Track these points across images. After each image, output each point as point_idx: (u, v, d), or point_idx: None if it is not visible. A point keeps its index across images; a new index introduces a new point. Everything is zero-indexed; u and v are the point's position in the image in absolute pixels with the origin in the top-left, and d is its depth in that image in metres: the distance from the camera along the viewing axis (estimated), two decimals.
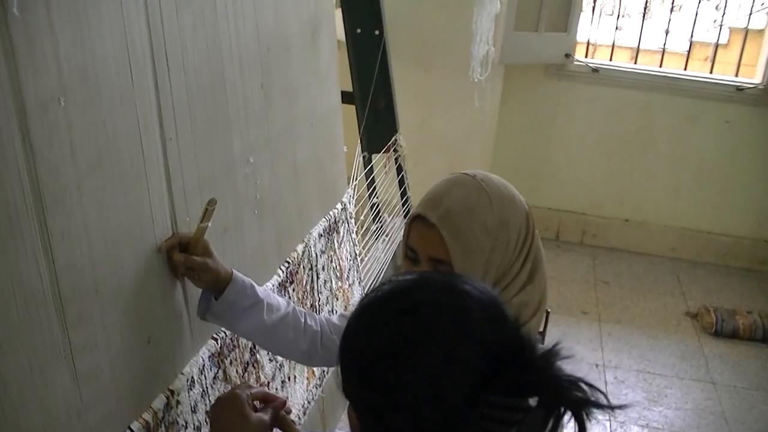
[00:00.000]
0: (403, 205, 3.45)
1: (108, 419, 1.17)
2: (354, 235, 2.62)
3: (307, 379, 2.13)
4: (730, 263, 4.90)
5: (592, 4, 5.24)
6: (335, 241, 2.37)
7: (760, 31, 4.99)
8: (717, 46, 5.01)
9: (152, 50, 1.25)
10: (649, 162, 4.85)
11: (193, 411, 1.44)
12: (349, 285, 2.52)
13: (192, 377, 1.44)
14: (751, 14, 4.78)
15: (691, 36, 4.92)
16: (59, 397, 1.05)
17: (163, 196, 1.31)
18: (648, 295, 4.48)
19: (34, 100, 0.95)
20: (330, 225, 2.32)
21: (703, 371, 3.72)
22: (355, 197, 2.67)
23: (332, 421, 2.47)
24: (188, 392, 1.42)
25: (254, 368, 1.74)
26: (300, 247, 2.05)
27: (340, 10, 2.96)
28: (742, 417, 3.40)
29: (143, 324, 1.28)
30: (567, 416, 0.86)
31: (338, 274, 2.39)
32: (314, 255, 2.16)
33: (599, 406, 0.85)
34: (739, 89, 4.55)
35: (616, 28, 5.06)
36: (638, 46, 4.97)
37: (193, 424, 1.44)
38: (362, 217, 2.88)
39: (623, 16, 6.32)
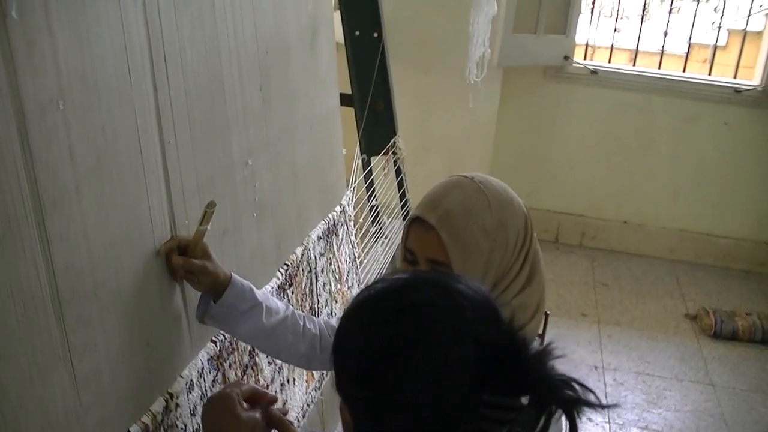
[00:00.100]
0: (402, 207, 3.45)
1: (107, 422, 1.17)
2: (353, 238, 2.62)
3: (306, 381, 2.13)
4: (729, 265, 4.91)
5: (591, 6, 5.25)
6: (334, 244, 2.37)
7: (759, 33, 4.99)
8: (716, 47, 5.02)
9: (151, 52, 1.24)
10: (648, 164, 4.85)
11: (192, 414, 1.44)
12: (349, 287, 2.52)
13: (191, 380, 1.44)
14: (749, 16, 4.79)
15: (690, 38, 4.94)
16: (58, 400, 1.05)
17: (161, 199, 1.31)
18: (647, 297, 4.48)
19: (33, 102, 0.95)
20: (329, 227, 2.31)
21: (703, 373, 3.73)
22: (354, 199, 2.67)
23: (331, 424, 2.47)
24: (187, 395, 1.42)
25: (253, 371, 1.74)
26: (299, 250, 2.05)
27: (338, 12, 2.96)
28: (741, 419, 3.40)
29: (142, 327, 1.28)
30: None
31: (337, 276, 2.39)
32: (313, 257, 2.15)
33: (590, 405, 0.86)
34: (738, 91, 4.56)
35: (615, 30, 5.07)
36: (637, 48, 4.97)
37: (192, 427, 1.43)
38: (361, 220, 2.88)
39: (622, 18, 6.33)
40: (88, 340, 1.11)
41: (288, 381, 1.98)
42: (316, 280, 2.19)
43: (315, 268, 2.17)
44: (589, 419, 3.29)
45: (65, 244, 1.03)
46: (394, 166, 3.32)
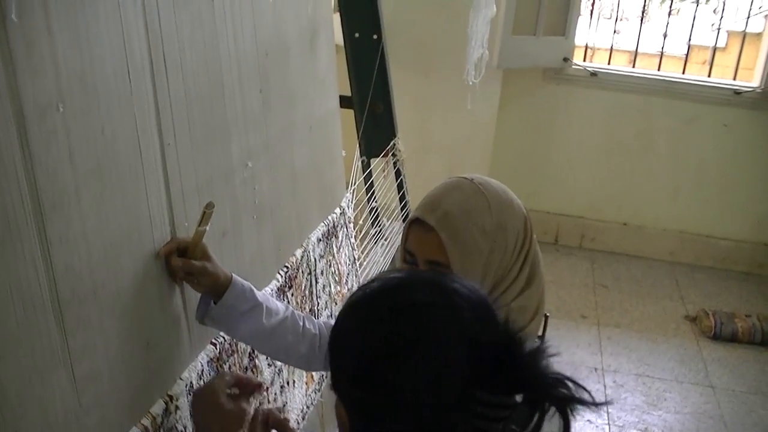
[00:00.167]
0: (401, 209, 3.45)
1: (106, 424, 1.17)
2: (353, 240, 2.62)
3: (306, 383, 2.13)
4: (729, 267, 4.91)
5: (590, 8, 5.25)
6: (334, 246, 2.37)
7: (758, 35, 5.00)
8: (715, 49, 5.02)
9: (150, 54, 1.24)
10: (647, 166, 4.86)
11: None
12: (348, 289, 2.52)
13: (191, 382, 1.44)
14: (749, 18, 4.80)
15: (690, 39, 4.93)
16: (58, 402, 1.05)
17: (161, 201, 1.31)
18: (647, 299, 4.48)
19: (33, 104, 0.95)
20: (329, 229, 2.31)
21: (702, 375, 3.73)
22: (353, 202, 2.67)
23: (331, 425, 2.46)
24: (187, 397, 1.42)
25: (253, 373, 1.74)
26: (299, 252, 2.05)
27: (338, 14, 2.96)
28: (741, 421, 3.40)
29: (142, 329, 1.28)
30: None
31: (337, 278, 2.39)
32: (313, 259, 2.15)
33: (583, 402, 0.87)
34: (737, 93, 4.57)
35: (614, 32, 5.07)
36: (636, 50, 4.98)
37: (192, 430, 1.43)
38: (361, 222, 2.88)
39: (621, 20, 6.34)
40: (88, 342, 1.11)
41: (288, 383, 1.98)
42: (316, 282, 2.19)
43: (315, 270, 2.17)
44: (589, 421, 3.29)
45: (65, 245, 1.03)
46: (394, 168, 3.32)
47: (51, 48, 0.98)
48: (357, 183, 2.76)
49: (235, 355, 1.65)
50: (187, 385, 1.42)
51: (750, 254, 4.88)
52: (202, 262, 1.35)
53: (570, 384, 0.87)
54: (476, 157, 4.65)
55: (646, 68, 5.00)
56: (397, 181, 3.38)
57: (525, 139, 4.95)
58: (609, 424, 3.31)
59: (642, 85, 4.71)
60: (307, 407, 2.17)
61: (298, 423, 2.07)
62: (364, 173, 3.04)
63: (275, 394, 1.88)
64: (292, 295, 1.99)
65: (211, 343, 1.55)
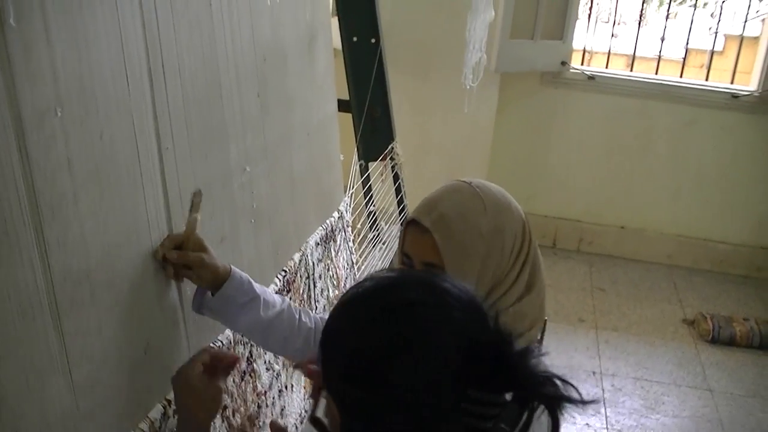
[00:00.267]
0: (399, 213, 3.45)
1: (105, 429, 1.17)
2: (351, 244, 2.62)
3: (304, 387, 2.13)
4: (726, 270, 4.91)
5: (588, 12, 5.26)
6: (332, 250, 2.37)
7: (756, 39, 5.00)
8: (713, 53, 5.03)
9: (148, 59, 1.25)
10: (645, 169, 4.86)
11: None
12: None
13: None
14: (746, 22, 4.80)
15: (687, 43, 4.94)
16: (56, 408, 1.04)
17: (159, 205, 1.31)
18: (645, 303, 4.48)
19: (31, 109, 0.95)
20: (327, 233, 2.32)
21: (700, 378, 3.73)
22: (351, 205, 2.67)
23: None
24: None
25: (251, 377, 1.74)
26: (297, 256, 2.05)
27: (336, 18, 2.97)
28: (739, 424, 3.40)
29: (140, 334, 1.28)
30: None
31: (335, 282, 2.39)
32: (311, 264, 2.15)
33: (572, 401, 0.88)
34: (735, 96, 4.57)
35: (612, 36, 5.08)
36: (634, 54, 4.98)
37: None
38: (359, 226, 2.88)
39: (619, 24, 6.34)
40: (86, 346, 1.11)
41: (286, 387, 1.98)
42: (314, 286, 2.19)
43: (313, 274, 2.17)
44: (587, 425, 3.29)
45: (63, 249, 1.03)
46: (392, 171, 3.32)
47: (49, 53, 0.98)
48: (355, 187, 2.76)
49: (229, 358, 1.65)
50: None
51: (748, 257, 4.89)
52: (198, 253, 1.34)
53: (558, 382, 0.88)
54: (474, 161, 4.65)
55: (643, 72, 5.00)
56: (395, 184, 3.38)
57: (523, 143, 4.95)
58: (607, 428, 3.31)
59: (640, 89, 4.71)
60: (305, 411, 2.16)
61: (296, 427, 2.07)
62: (362, 177, 3.04)
63: (273, 398, 1.88)
64: (291, 299, 1.99)
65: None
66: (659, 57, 4.94)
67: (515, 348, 0.89)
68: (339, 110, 2.55)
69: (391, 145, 3.24)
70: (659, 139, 4.78)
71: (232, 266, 1.40)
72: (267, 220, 1.84)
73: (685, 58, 4.96)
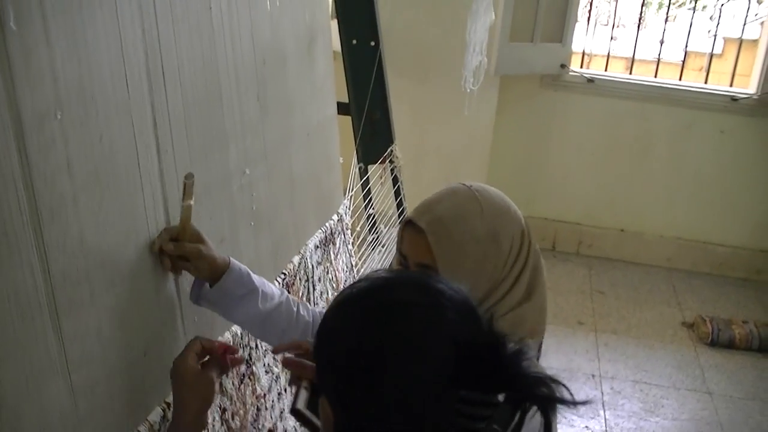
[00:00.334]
0: (399, 215, 3.45)
1: (104, 431, 1.17)
2: (350, 246, 2.62)
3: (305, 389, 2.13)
4: (726, 273, 4.92)
5: (587, 15, 5.26)
6: (331, 253, 2.37)
7: (755, 41, 5.01)
8: (712, 56, 5.04)
9: (148, 63, 1.25)
10: (644, 172, 4.86)
11: None
12: None
13: None
14: (745, 24, 4.81)
15: (686, 46, 4.94)
16: (55, 411, 1.05)
17: (158, 208, 1.31)
18: (644, 305, 4.48)
19: (31, 112, 0.95)
20: (326, 236, 2.32)
21: (700, 381, 3.73)
22: (351, 208, 2.67)
23: None
24: None
25: (250, 380, 1.74)
26: (296, 259, 2.05)
27: (336, 21, 2.97)
28: (738, 427, 3.40)
29: (139, 337, 1.28)
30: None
31: (334, 285, 2.39)
32: (310, 266, 2.15)
33: (564, 402, 0.88)
34: (734, 99, 4.57)
35: (611, 39, 5.08)
36: (633, 57, 4.99)
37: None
38: (358, 228, 2.88)
39: (618, 27, 6.35)
40: (85, 349, 1.11)
41: (285, 390, 1.97)
42: (313, 289, 2.19)
43: (312, 276, 2.17)
44: (587, 428, 3.29)
45: (62, 253, 1.04)
46: (391, 174, 3.32)
47: (49, 56, 0.99)
48: (354, 190, 2.76)
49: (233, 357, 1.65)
50: None
51: (747, 260, 4.89)
52: (195, 245, 1.33)
53: (550, 383, 0.88)
54: (474, 164, 4.66)
55: (643, 75, 5.00)
56: (394, 187, 3.38)
57: (522, 146, 4.96)
58: (606, 430, 3.31)
59: (639, 92, 4.72)
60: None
61: (295, 430, 2.07)
62: (361, 180, 3.04)
63: (273, 401, 1.88)
64: None
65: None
66: (658, 60, 4.95)
67: (508, 349, 0.90)
68: (338, 113, 2.55)
69: (391, 147, 3.23)
70: (658, 142, 4.79)
71: (231, 258, 1.40)
72: (266, 223, 1.84)
73: (684, 61, 4.97)
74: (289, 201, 2.02)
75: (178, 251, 1.31)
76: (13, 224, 0.93)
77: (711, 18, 6.86)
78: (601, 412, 3.42)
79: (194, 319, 1.46)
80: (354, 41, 3.00)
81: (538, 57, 4.51)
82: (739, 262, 4.90)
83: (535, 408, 0.89)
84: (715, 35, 5.41)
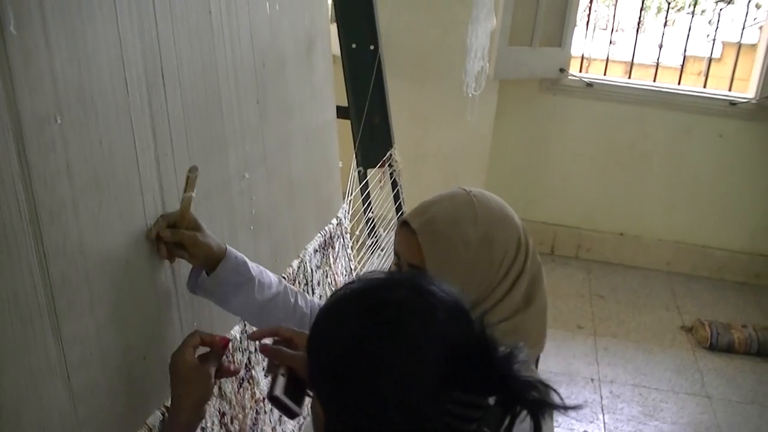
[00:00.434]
0: (398, 219, 3.45)
1: None
2: (349, 250, 2.62)
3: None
4: (724, 277, 4.92)
5: (586, 19, 5.27)
6: (330, 257, 2.37)
7: (753, 46, 5.02)
8: (710, 60, 5.05)
9: (147, 66, 1.25)
10: (643, 176, 4.86)
11: None
12: None
13: None
14: (743, 29, 4.81)
15: (685, 50, 4.95)
16: (55, 414, 1.05)
17: (158, 212, 1.31)
18: (643, 309, 4.48)
19: (30, 116, 0.95)
20: (325, 240, 2.32)
21: (699, 385, 3.72)
22: (350, 212, 2.68)
23: None
24: None
25: (249, 384, 1.74)
26: (295, 263, 2.05)
27: (335, 25, 2.97)
28: (737, 431, 3.40)
29: (139, 340, 1.28)
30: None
31: (334, 289, 2.39)
32: (310, 270, 2.15)
33: (554, 406, 0.89)
34: (733, 103, 4.58)
35: (610, 43, 5.09)
36: (632, 61, 5.00)
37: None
38: (357, 232, 2.89)
39: (617, 31, 6.36)
40: (85, 352, 1.11)
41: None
42: (313, 293, 2.19)
43: (311, 280, 2.17)
44: None
45: (62, 257, 1.04)
46: (390, 178, 3.33)
47: (49, 60, 0.99)
48: (354, 193, 2.77)
49: (231, 366, 1.65)
50: None
51: (746, 264, 4.89)
52: (192, 232, 1.32)
53: (541, 387, 0.89)
54: (473, 168, 4.66)
55: (641, 79, 5.01)
56: (393, 191, 3.38)
57: (521, 150, 4.96)
58: None
59: (638, 96, 4.72)
60: (304, 418, 2.16)
61: None
62: (360, 184, 3.04)
63: (272, 405, 1.87)
64: None
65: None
66: (657, 64, 4.96)
67: (499, 352, 0.90)
68: (338, 117, 2.55)
69: (390, 151, 3.24)
70: (657, 146, 4.79)
71: (227, 246, 1.39)
72: (266, 227, 1.85)
73: (683, 65, 4.97)
74: (288, 205, 2.02)
75: (175, 238, 1.30)
76: (12, 227, 0.93)
77: (710, 22, 6.87)
78: (600, 416, 3.41)
79: (194, 324, 1.46)
80: (353, 45, 3.01)
81: (537, 61, 4.52)
82: (738, 266, 4.90)
83: (525, 412, 0.89)
84: (714, 39, 5.41)
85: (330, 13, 2.84)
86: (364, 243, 3.06)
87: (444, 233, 1.33)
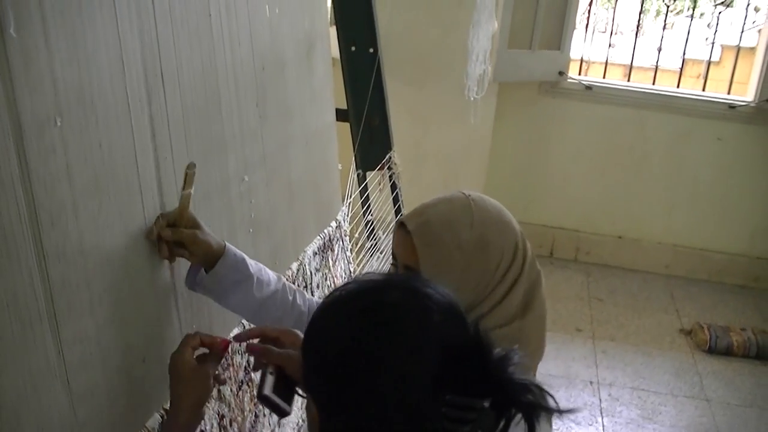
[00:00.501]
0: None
1: None
2: (348, 253, 2.62)
3: (302, 397, 2.12)
4: (723, 280, 4.92)
5: (585, 22, 5.27)
6: (330, 259, 2.37)
7: (752, 49, 5.02)
8: (709, 63, 5.05)
9: (147, 69, 1.25)
10: (642, 179, 4.87)
11: None
12: None
13: None
14: (742, 32, 4.82)
15: (684, 53, 4.96)
16: (54, 416, 1.05)
17: (157, 214, 1.31)
18: (642, 312, 4.48)
19: (30, 119, 0.95)
20: (325, 243, 2.31)
21: (698, 388, 3.73)
22: (349, 215, 2.67)
23: None
24: None
25: (248, 387, 1.74)
26: (295, 266, 2.05)
27: (334, 27, 2.97)
28: None
29: (138, 342, 1.28)
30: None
31: None
32: (309, 273, 2.15)
33: (548, 409, 0.89)
34: (732, 107, 4.58)
35: (609, 46, 5.09)
36: (631, 64, 5.00)
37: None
38: (357, 235, 2.89)
39: (616, 34, 6.36)
40: (84, 355, 1.11)
41: None
42: (312, 296, 2.18)
43: (311, 283, 2.17)
44: None
45: (62, 260, 1.04)
46: (390, 181, 3.33)
47: (49, 63, 0.99)
48: (353, 196, 2.77)
49: (231, 369, 1.65)
50: None
51: (745, 267, 4.89)
52: (191, 230, 1.33)
53: (535, 390, 0.89)
54: (472, 170, 4.66)
55: (641, 82, 5.02)
56: (392, 194, 3.38)
57: (520, 153, 4.96)
58: None
59: (637, 99, 4.73)
60: (303, 420, 2.16)
61: None
62: (360, 186, 3.04)
63: None
64: None
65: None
66: (656, 67, 4.96)
67: (494, 354, 0.90)
68: (337, 119, 2.56)
69: (389, 154, 3.24)
70: (656, 149, 4.79)
71: (226, 243, 1.39)
72: (265, 229, 1.84)
73: (682, 68, 4.98)
74: (287, 208, 2.02)
75: (176, 236, 1.30)
76: (12, 230, 0.93)
77: (709, 25, 6.86)
78: (599, 419, 3.41)
79: (193, 326, 1.46)
80: (353, 48, 3.01)
81: (536, 64, 4.52)
82: (737, 269, 4.90)
83: (520, 415, 0.89)
84: (713, 43, 5.42)
85: (329, 16, 2.84)
86: (363, 246, 3.06)
87: (438, 235, 1.33)
